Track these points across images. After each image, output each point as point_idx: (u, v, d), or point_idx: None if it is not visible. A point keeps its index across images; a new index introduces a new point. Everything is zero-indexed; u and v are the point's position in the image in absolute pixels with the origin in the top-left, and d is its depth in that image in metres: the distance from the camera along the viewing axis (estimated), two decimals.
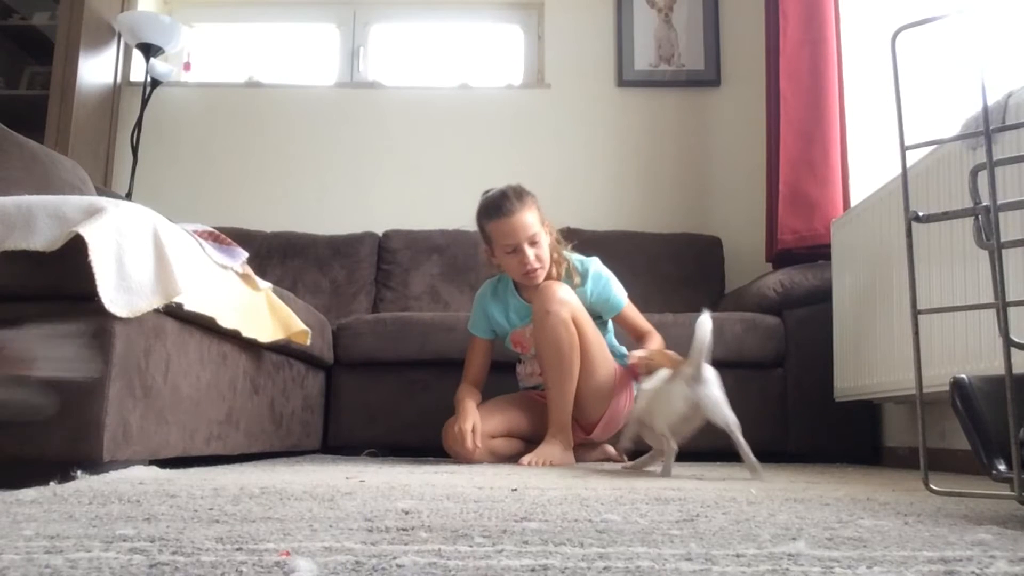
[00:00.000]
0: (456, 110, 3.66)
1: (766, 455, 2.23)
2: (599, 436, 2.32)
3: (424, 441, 2.45)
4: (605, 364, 2.25)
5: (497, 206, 2.20)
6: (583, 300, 2.23)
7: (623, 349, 2.36)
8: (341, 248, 3.35)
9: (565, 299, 2.15)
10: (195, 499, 1.07)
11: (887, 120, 2.80)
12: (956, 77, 2.58)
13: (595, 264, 2.33)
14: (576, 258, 2.33)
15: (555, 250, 2.28)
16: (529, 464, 2.07)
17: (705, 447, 1.93)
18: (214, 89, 3.76)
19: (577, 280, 2.28)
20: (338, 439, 2.64)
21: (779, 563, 0.65)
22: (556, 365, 2.14)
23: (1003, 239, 0.97)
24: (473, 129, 3.63)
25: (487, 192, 2.29)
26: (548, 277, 2.25)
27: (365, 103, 3.69)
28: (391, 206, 3.56)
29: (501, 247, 2.21)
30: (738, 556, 0.68)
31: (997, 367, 1.28)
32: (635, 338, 2.35)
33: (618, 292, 2.32)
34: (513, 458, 2.23)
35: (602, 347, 2.26)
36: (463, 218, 3.37)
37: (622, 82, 3.62)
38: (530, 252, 2.18)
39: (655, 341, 2.28)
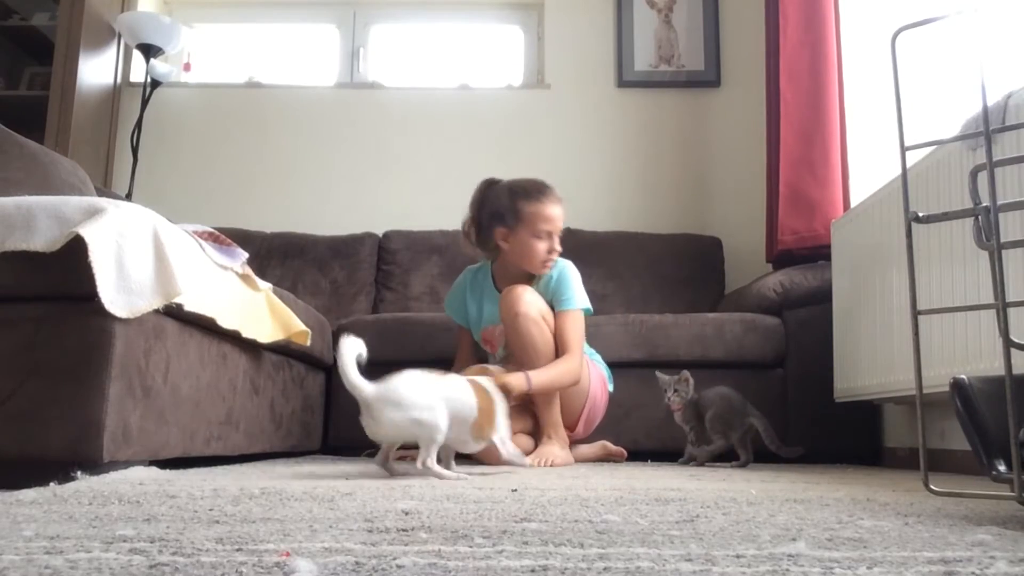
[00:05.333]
0: (456, 110, 3.66)
1: (766, 455, 2.24)
2: (581, 434, 2.33)
3: None
4: None
5: (544, 190, 2.25)
6: (544, 289, 2.25)
7: (591, 349, 2.38)
8: (341, 249, 3.34)
9: (532, 301, 2.17)
10: (195, 500, 1.07)
11: (887, 120, 2.80)
12: (956, 77, 2.58)
13: (568, 264, 2.33)
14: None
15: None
16: (533, 465, 2.06)
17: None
18: (214, 90, 3.76)
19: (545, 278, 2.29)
20: (338, 439, 2.64)
21: (779, 564, 0.65)
22: (535, 365, 2.12)
23: (1003, 239, 0.97)
24: (473, 129, 3.63)
25: (493, 181, 2.31)
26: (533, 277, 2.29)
27: (365, 104, 3.69)
28: (391, 206, 3.56)
29: (535, 230, 2.22)
30: (738, 557, 0.68)
31: (997, 367, 1.28)
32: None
33: (575, 293, 2.26)
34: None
35: None
36: (463, 218, 3.39)
37: (622, 82, 3.62)
38: (557, 243, 2.26)
39: (556, 363, 2.14)
